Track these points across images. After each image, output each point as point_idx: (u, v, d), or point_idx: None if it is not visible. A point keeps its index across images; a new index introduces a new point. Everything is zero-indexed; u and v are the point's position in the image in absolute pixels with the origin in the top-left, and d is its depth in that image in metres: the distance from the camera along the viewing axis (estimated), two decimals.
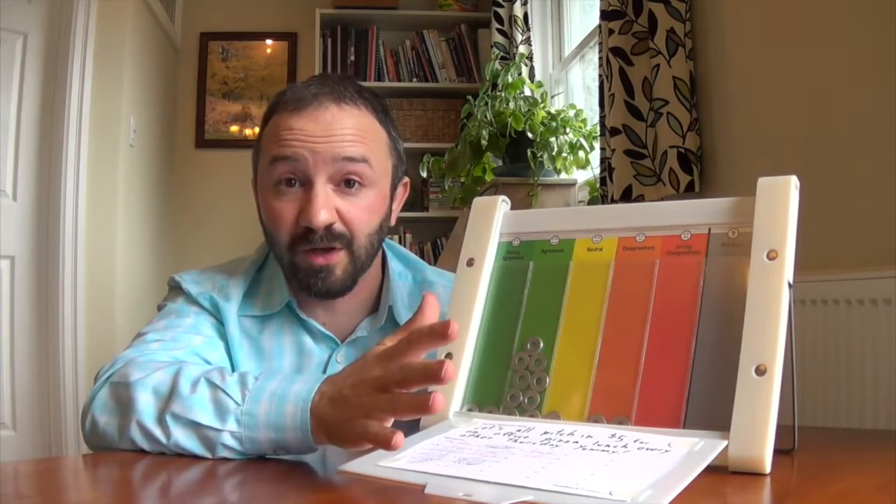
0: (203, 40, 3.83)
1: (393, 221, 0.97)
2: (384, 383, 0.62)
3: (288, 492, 0.60)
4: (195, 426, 0.69)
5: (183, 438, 0.69)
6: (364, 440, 0.60)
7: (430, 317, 0.65)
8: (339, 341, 0.95)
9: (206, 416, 0.68)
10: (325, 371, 0.93)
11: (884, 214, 1.21)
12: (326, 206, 0.85)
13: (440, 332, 0.60)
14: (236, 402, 0.68)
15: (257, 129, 1.01)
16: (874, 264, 1.18)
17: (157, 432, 0.70)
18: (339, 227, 0.87)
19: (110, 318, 2.93)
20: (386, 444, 0.57)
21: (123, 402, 0.73)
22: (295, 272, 0.89)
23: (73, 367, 2.80)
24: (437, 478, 0.53)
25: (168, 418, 0.70)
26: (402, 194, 0.99)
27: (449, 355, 0.72)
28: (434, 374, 0.58)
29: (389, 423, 0.61)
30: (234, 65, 3.84)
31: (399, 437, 0.57)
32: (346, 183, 0.87)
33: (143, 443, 0.71)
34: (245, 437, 0.67)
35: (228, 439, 0.68)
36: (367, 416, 0.61)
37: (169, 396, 0.71)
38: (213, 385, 0.70)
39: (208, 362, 0.86)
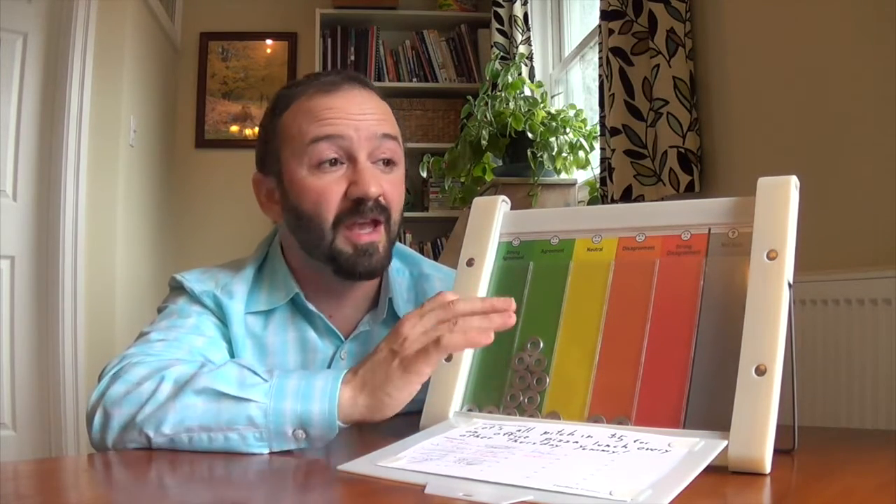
0: (203, 40, 3.83)
1: None
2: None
3: (289, 491, 0.60)
4: (218, 397, 0.69)
5: (200, 414, 0.68)
6: (425, 354, 0.66)
7: None
8: (343, 337, 0.94)
9: (231, 388, 0.69)
10: (329, 368, 0.93)
11: (884, 214, 1.21)
12: (375, 178, 0.87)
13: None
14: (264, 380, 0.70)
15: (257, 129, 1.01)
16: (874, 264, 1.18)
17: (172, 413, 0.69)
18: (383, 200, 0.88)
19: (110, 318, 2.92)
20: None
21: (143, 392, 0.72)
22: (337, 256, 0.88)
23: (73, 367, 2.79)
24: (437, 478, 0.53)
25: (188, 393, 0.70)
26: None
27: (449, 356, 0.71)
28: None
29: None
30: (234, 65, 3.84)
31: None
32: (382, 161, 0.89)
33: (156, 429, 0.70)
34: (271, 409, 0.68)
35: (253, 410, 0.68)
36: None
37: (190, 380, 0.71)
38: (240, 366, 0.72)
39: (212, 363, 0.86)
